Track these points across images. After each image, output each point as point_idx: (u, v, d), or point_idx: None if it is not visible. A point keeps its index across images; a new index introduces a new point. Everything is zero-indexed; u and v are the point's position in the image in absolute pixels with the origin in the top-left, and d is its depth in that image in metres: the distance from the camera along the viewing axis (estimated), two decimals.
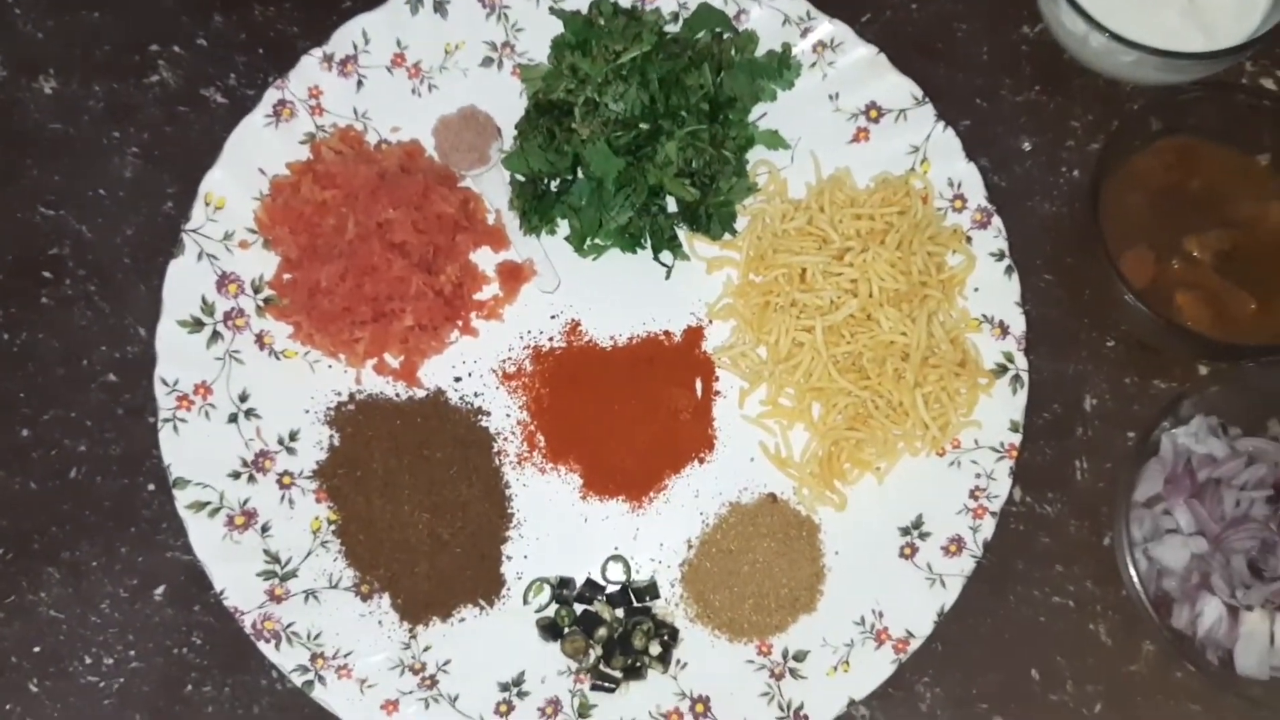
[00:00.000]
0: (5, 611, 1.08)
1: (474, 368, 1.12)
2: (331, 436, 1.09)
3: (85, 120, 1.17)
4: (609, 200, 1.11)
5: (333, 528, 1.07)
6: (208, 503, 1.05)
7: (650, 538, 1.09)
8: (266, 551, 1.06)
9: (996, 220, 1.12)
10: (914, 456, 1.09)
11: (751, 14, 1.15)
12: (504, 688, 1.05)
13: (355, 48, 1.13)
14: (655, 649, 1.05)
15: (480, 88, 1.15)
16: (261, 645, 1.03)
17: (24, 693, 1.06)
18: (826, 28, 1.14)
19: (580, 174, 1.12)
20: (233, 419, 1.08)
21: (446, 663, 1.05)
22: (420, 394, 1.10)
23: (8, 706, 1.06)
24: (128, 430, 1.11)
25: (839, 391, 1.08)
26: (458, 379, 1.11)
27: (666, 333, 1.13)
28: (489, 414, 1.10)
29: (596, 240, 1.13)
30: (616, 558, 1.08)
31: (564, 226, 1.14)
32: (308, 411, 1.10)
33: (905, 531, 1.08)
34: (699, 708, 1.05)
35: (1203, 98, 1.10)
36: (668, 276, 1.13)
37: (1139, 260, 1.08)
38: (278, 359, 1.10)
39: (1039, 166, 1.17)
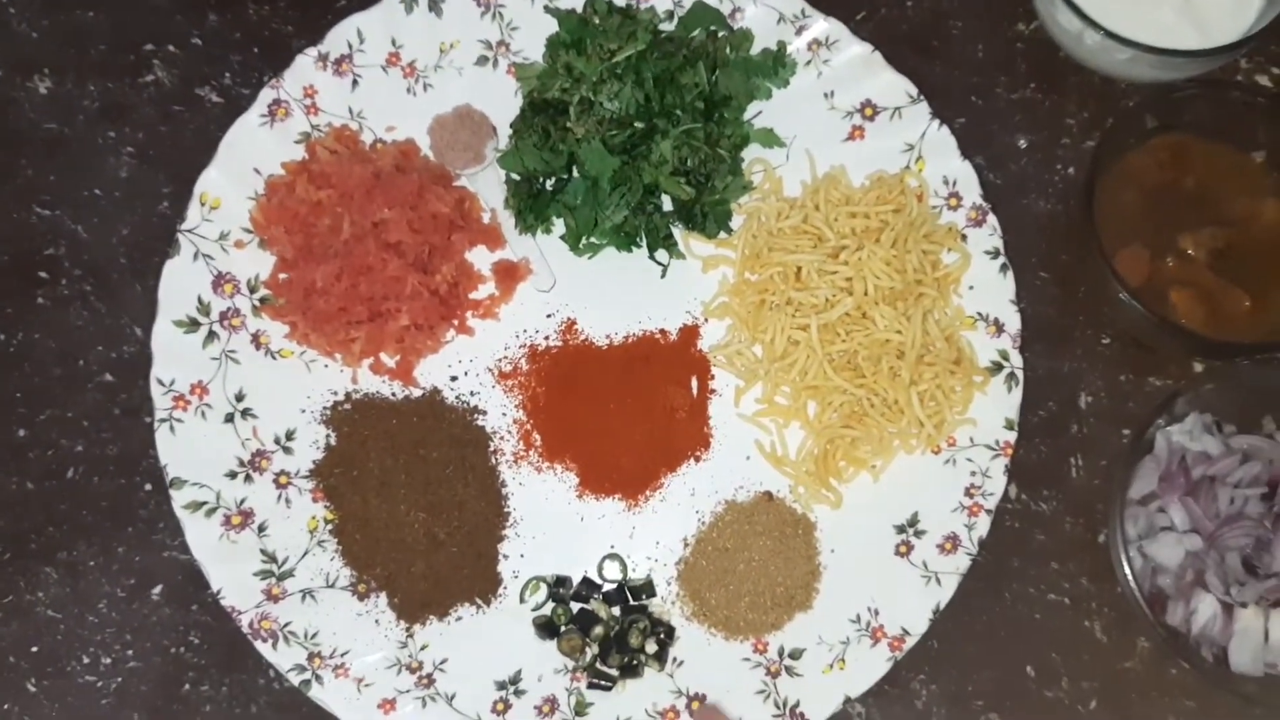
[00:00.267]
0: (3, 611, 1.08)
1: (470, 367, 1.12)
2: (328, 436, 1.09)
3: (80, 120, 1.17)
4: (604, 199, 1.11)
5: (329, 527, 1.07)
6: (204, 502, 1.06)
7: (646, 536, 1.09)
8: (263, 551, 1.06)
9: (991, 218, 1.12)
10: (909, 454, 1.09)
11: (746, 12, 1.15)
12: (501, 686, 1.05)
13: (350, 47, 1.13)
14: (651, 647, 1.05)
15: (475, 87, 1.15)
16: (259, 645, 1.04)
17: (22, 692, 1.06)
18: (821, 25, 1.14)
19: (575, 173, 1.12)
20: (229, 419, 1.08)
21: (443, 661, 1.06)
22: (416, 393, 1.10)
23: (6, 706, 1.06)
24: (124, 430, 1.11)
25: (834, 390, 1.08)
26: (454, 378, 1.11)
27: (662, 331, 1.13)
28: (485, 413, 1.11)
29: (592, 239, 1.13)
30: (613, 556, 1.08)
31: (559, 225, 1.14)
32: (304, 411, 1.10)
33: (901, 529, 1.08)
34: (695, 705, 1.05)
35: (1198, 95, 1.10)
36: (663, 275, 1.14)
37: (1134, 258, 1.08)
38: (274, 359, 1.10)
39: (1034, 164, 1.17)
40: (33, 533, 1.09)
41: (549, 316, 1.13)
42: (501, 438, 1.10)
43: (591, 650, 1.06)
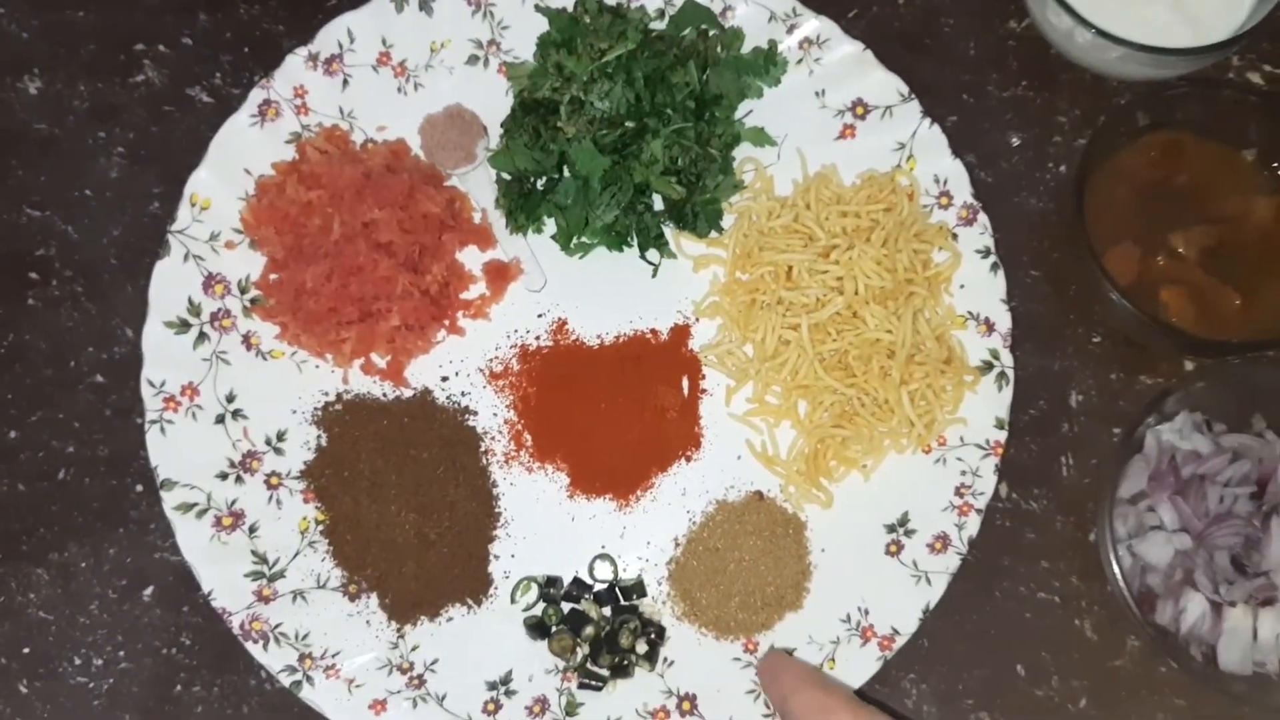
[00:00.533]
0: None
1: (461, 367, 1.12)
2: (319, 437, 1.09)
3: (70, 120, 1.17)
4: (595, 199, 1.10)
5: (320, 528, 1.07)
6: (195, 504, 1.06)
7: (637, 536, 1.09)
8: (254, 552, 1.06)
9: (982, 217, 1.12)
10: (900, 454, 1.09)
11: (737, 10, 1.14)
12: (491, 686, 1.06)
13: (340, 46, 1.13)
14: (642, 647, 1.06)
15: (466, 86, 1.15)
16: (249, 646, 1.04)
17: (14, 694, 1.07)
18: (813, 24, 1.14)
19: (566, 172, 1.12)
20: (220, 420, 1.08)
21: (434, 662, 1.06)
22: (407, 394, 1.10)
23: None
24: (116, 431, 1.11)
25: (825, 389, 1.08)
26: (445, 378, 1.11)
27: (653, 331, 1.13)
28: (476, 413, 1.11)
29: (583, 239, 1.13)
30: (604, 556, 1.09)
31: (550, 225, 1.14)
32: (295, 412, 1.10)
33: (891, 529, 1.08)
34: (685, 705, 1.06)
35: (1189, 93, 1.10)
36: (654, 275, 1.13)
37: (1124, 256, 1.08)
38: (265, 359, 1.10)
39: (1025, 162, 1.17)
40: (24, 534, 1.09)
41: (540, 316, 1.13)
42: (492, 438, 1.10)
43: (582, 650, 1.06)
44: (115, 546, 1.09)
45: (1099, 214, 1.07)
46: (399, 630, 1.06)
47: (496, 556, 1.08)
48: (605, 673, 1.06)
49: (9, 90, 1.17)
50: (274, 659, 1.04)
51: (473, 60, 1.15)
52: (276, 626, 1.04)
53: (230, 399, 1.09)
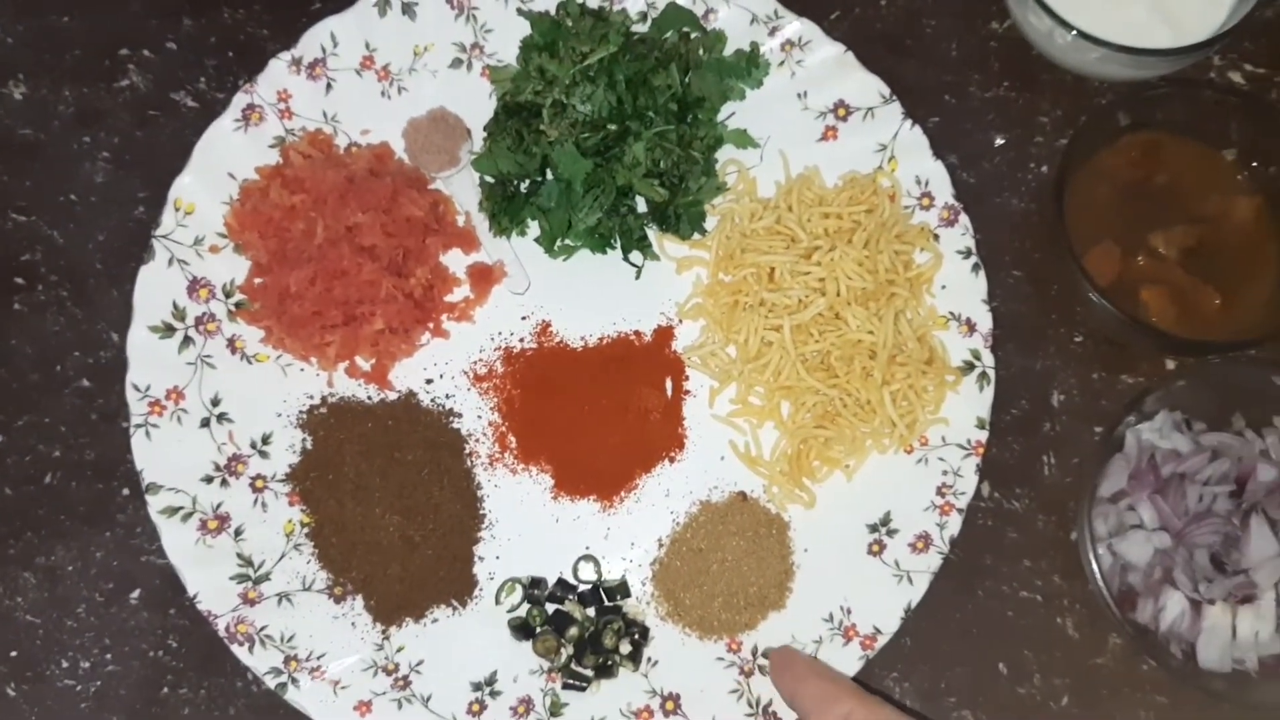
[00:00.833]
0: None
1: (445, 370, 1.12)
2: (304, 440, 1.10)
3: (55, 125, 1.17)
4: (578, 201, 1.11)
5: (305, 531, 1.08)
6: (180, 507, 1.06)
7: (621, 537, 1.10)
8: (240, 555, 1.07)
9: (964, 218, 1.12)
10: (882, 454, 1.10)
11: (719, 13, 1.15)
12: (476, 687, 1.06)
13: (324, 50, 1.13)
14: (626, 648, 1.06)
15: (450, 89, 1.15)
16: (235, 648, 1.04)
17: (2, 697, 1.07)
18: (795, 26, 1.15)
19: (549, 175, 1.12)
20: (205, 423, 1.09)
21: (419, 663, 1.06)
22: (391, 396, 1.11)
23: None
24: (102, 435, 1.11)
25: (807, 390, 1.09)
26: (429, 381, 1.12)
27: (637, 333, 1.13)
28: (460, 416, 1.11)
29: (566, 241, 1.13)
30: (588, 557, 1.09)
31: (534, 228, 1.14)
32: (280, 415, 1.10)
33: (873, 529, 1.09)
34: (669, 705, 1.06)
35: (1170, 93, 1.11)
36: (638, 277, 1.14)
37: (1105, 256, 1.09)
38: (249, 363, 1.11)
39: (1007, 163, 1.18)
40: (11, 538, 1.10)
41: (524, 319, 1.13)
42: (477, 440, 1.11)
43: (566, 651, 1.07)
44: (102, 550, 1.10)
45: (1079, 214, 1.08)
46: (384, 632, 1.07)
47: (481, 558, 1.09)
48: (589, 673, 1.06)
49: None
50: (260, 661, 1.04)
51: (456, 64, 1.16)
52: (262, 629, 1.05)
53: (215, 403, 1.09)
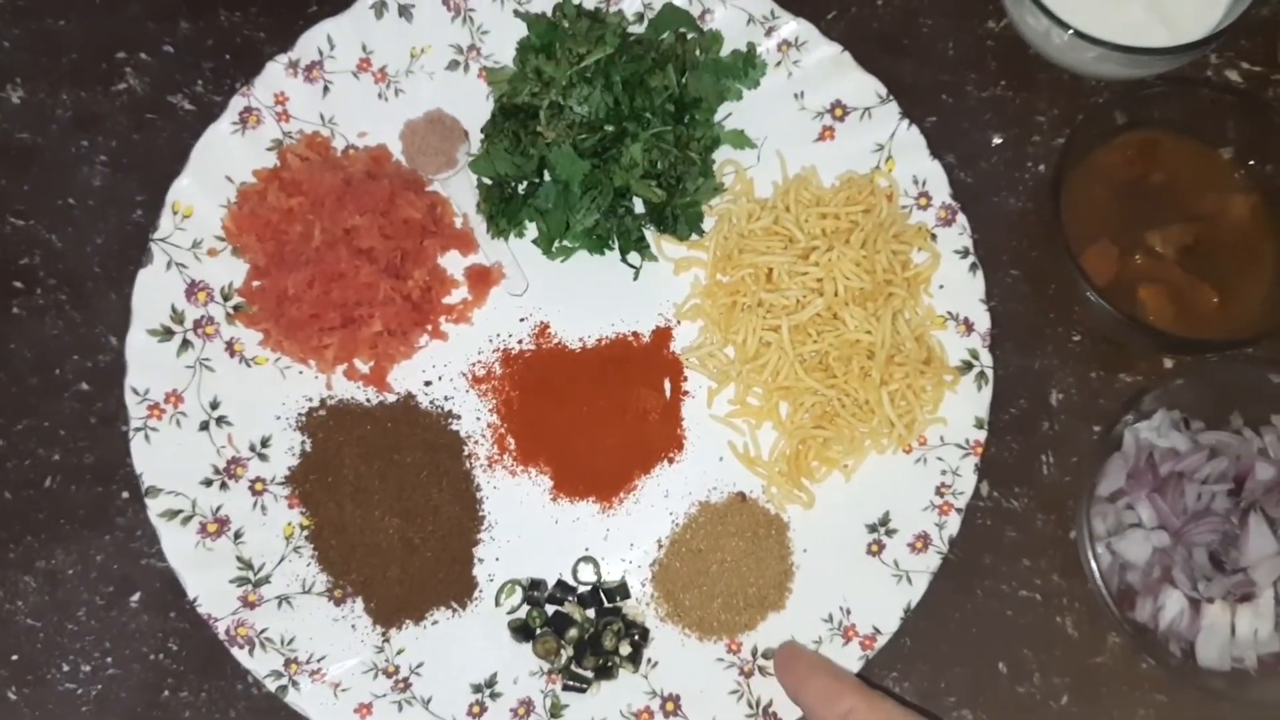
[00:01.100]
0: None
1: (444, 371, 1.12)
2: (303, 442, 1.10)
3: (53, 129, 1.17)
4: (575, 203, 1.11)
5: (305, 533, 1.08)
6: (180, 510, 1.06)
7: (620, 538, 1.10)
8: (239, 558, 1.07)
9: (961, 217, 1.12)
10: (880, 454, 1.10)
11: (716, 14, 1.15)
12: (476, 689, 1.06)
13: (321, 53, 1.13)
14: (626, 649, 1.06)
15: (446, 91, 1.15)
16: (235, 651, 1.04)
17: (2, 701, 1.07)
18: (791, 26, 1.15)
19: (547, 177, 1.12)
20: (204, 427, 1.09)
21: (419, 665, 1.06)
22: (390, 399, 1.11)
23: None
24: (101, 439, 1.11)
25: (806, 390, 1.09)
26: (427, 383, 1.12)
27: (635, 334, 1.13)
28: (459, 417, 1.11)
29: (564, 242, 1.13)
30: (587, 559, 1.09)
31: (531, 229, 1.14)
32: (279, 418, 1.10)
33: (872, 529, 1.09)
34: (669, 706, 1.06)
35: (1167, 91, 1.10)
36: (635, 278, 1.14)
37: (1102, 255, 1.09)
38: (248, 366, 1.11)
39: (1004, 162, 1.18)
40: (11, 542, 1.10)
41: (522, 320, 1.13)
42: (476, 442, 1.11)
43: (566, 652, 1.07)
44: (102, 553, 1.10)
45: (1077, 213, 1.08)
46: (384, 634, 1.07)
47: (480, 560, 1.09)
48: (589, 674, 1.06)
49: None
50: (260, 664, 1.04)
51: (453, 65, 1.16)
52: (262, 632, 1.05)
53: (214, 406, 1.09)
